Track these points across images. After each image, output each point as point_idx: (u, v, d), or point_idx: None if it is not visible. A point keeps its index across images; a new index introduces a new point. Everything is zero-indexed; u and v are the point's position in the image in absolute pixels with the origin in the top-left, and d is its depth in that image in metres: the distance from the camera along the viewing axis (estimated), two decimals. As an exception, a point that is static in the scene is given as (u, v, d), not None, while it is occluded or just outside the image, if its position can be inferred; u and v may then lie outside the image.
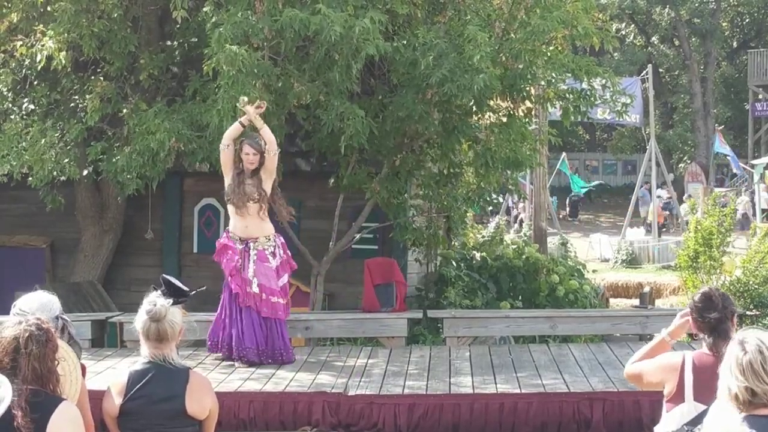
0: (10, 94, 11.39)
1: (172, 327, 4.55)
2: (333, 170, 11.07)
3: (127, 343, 9.32)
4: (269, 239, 8.56)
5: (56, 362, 3.66)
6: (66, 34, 9.93)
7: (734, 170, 34.64)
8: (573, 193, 38.39)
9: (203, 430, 4.64)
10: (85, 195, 12.06)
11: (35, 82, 11.44)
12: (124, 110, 10.48)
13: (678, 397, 4.44)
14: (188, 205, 12.47)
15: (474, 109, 10.22)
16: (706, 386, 4.17)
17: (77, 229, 12.28)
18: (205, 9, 9.60)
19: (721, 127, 35.83)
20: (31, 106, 11.37)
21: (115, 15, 10.35)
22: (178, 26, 10.57)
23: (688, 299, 5.00)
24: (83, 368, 4.43)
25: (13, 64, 11.07)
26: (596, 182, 40.30)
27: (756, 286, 13.90)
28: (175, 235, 12.49)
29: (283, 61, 9.49)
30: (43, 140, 10.38)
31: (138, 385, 4.52)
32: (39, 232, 12.70)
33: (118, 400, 4.55)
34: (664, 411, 4.54)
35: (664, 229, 30.72)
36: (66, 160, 10.56)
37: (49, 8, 10.34)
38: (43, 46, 9.94)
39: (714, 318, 4.49)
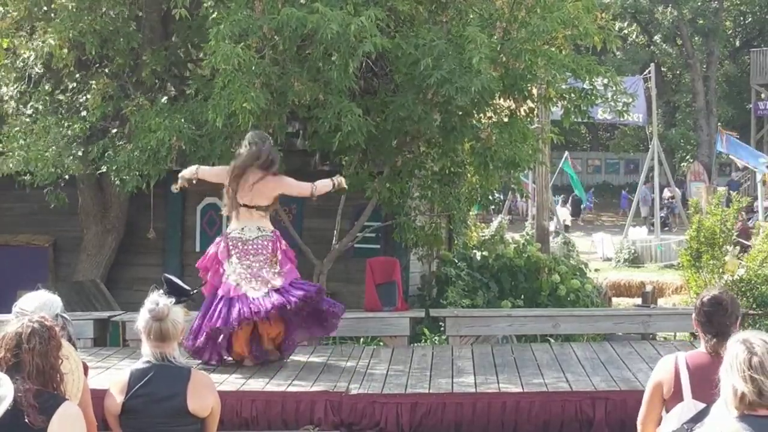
0: (15, 93, 11.39)
1: (174, 326, 4.57)
2: (335, 170, 11.05)
3: (130, 343, 9.32)
4: None
5: (59, 360, 3.66)
6: (68, 32, 9.92)
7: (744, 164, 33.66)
8: (575, 193, 38.37)
9: (205, 428, 4.64)
10: (88, 194, 12.07)
11: (40, 82, 11.44)
12: (127, 108, 10.47)
13: (676, 397, 4.45)
14: (190, 204, 12.47)
15: (475, 109, 10.20)
16: (703, 385, 4.17)
17: (80, 228, 12.29)
18: (205, 5, 9.58)
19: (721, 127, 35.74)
20: (38, 106, 11.38)
21: (116, 12, 10.33)
22: (181, 24, 10.56)
23: (692, 299, 4.99)
24: (85, 367, 4.44)
25: (19, 64, 11.06)
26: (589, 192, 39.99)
27: (759, 285, 13.84)
28: (178, 234, 12.50)
29: (283, 60, 9.49)
30: (46, 138, 10.37)
31: (139, 384, 4.53)
32: (42, 231, 12.71)
33: (119, 399, 4.55)
34: (664, 411, 4.55)
35: (666, 228, 30.70)
36: (68, 158, 10.55)
37: (52, 6, 10.34)
38: (44, 42, 9.92)
39: (722, 323, 4.47)
